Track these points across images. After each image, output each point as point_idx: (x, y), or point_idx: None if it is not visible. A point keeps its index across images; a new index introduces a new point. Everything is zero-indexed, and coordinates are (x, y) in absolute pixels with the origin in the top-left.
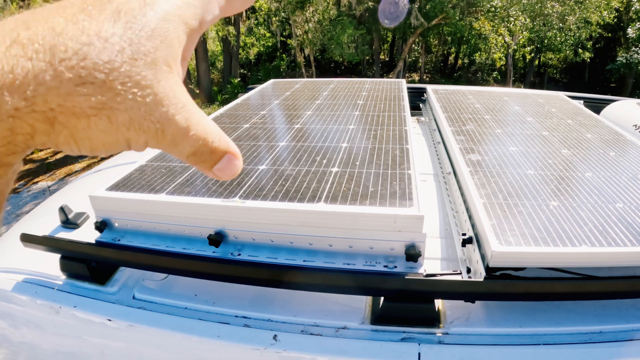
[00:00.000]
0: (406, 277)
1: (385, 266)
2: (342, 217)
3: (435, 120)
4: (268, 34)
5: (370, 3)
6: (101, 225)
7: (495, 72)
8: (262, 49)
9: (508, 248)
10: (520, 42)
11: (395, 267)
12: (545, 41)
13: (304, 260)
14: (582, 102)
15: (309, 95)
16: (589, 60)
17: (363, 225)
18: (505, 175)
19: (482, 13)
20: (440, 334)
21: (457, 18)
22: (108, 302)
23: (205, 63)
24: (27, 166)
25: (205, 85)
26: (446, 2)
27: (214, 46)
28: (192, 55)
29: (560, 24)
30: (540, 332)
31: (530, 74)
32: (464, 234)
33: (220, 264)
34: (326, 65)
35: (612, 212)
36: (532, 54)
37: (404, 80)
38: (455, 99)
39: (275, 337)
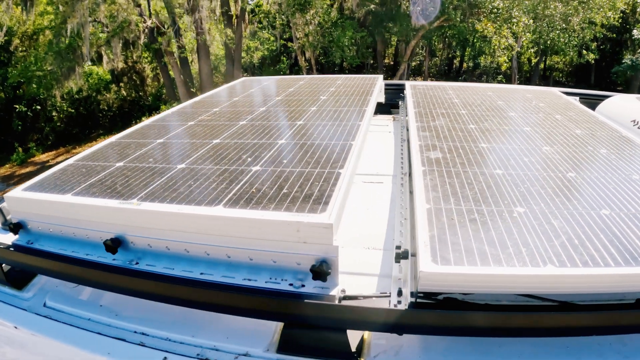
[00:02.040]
0: (306, 301)
1: (290, 284)
2: (237, 223)
3: (407, 116)
4: (272, 38)
5: (372, 6)
6: (15, 227)
7: (500, 76)
8: (266, 53)
9: (442, 268)
10: (524, 44)
11: (303, 285)
12: (549, 42)
13: (201, 273)
14: (577, 98)
15: (274, 92)
16: (593, 61)
17: (261, 234)
18: (466, 175)
19: (485, 15)
20: None
21: (459, 19)
22: (19, 309)
23: (208, 67)
24: (28, 169)
25: (208, 89)
26: (447, 3)
27: (217, 50)
28: (194, 59)
29: (564, 24)
30: None
31: (536, 77)
32: (398, 247)
33: (115, 273)
34: (329, 69)
35: (595, 221)
36: (537, 58)
37: (380, 76)
38: (434, 94)
39: None
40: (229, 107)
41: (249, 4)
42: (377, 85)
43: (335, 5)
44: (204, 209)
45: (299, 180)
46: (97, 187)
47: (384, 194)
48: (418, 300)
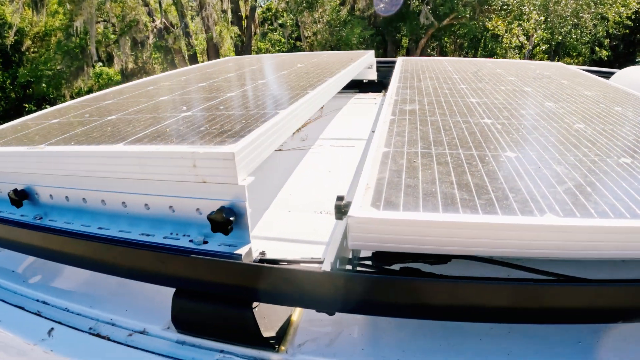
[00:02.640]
0: (195, 258)
1: (190, 241)
2: (127, 160)
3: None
4: (283, 40)
5: (382, 5)
6: None
7: None
8: None
9: (383, 214)
10: (536, 41)
11: (205, 242)
12: (560, 38)
13: (99, 228)
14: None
15: (252, 64)
16: (606, 58)
17: (154, 172)
18: (445, 123)
19: (495, 12)
20: None
21: (468, 15)
22: None
23: None
24: None
25: None
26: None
27: (228, 52)
28: (204, 61)
29: (575, 20)
30: None
31: None
32: (339, 198)
33: (15, 229)
34: None
35: (613, 169)
36: (549, 59)
37: (371, 52)
38: (425, 64)
39: (50, 331)
40: (198, 75)
41: (260, 6)
42: (363, 57)
43: (346, 8)
44: (99, 147)
45: (225, 120)
46: (16, 140)
47: (352, 157)
48: (359, 269)
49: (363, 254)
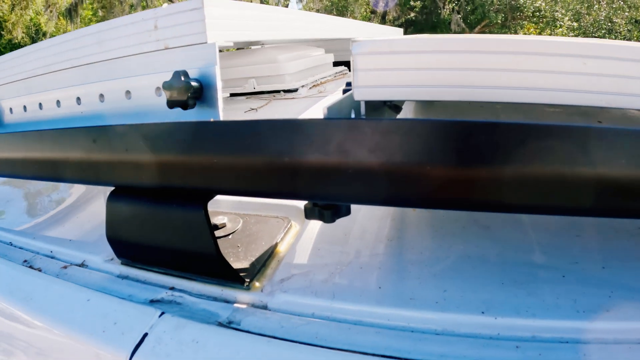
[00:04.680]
0: (131, 126)
1: None
2: (84, 40)
3: None
4: None
5: (412, 15)
6: None
7: None
8: None
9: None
10: None
11: None
12: None
13: None
14: None
15: None
16: None
17: (110, 46)
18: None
19: (527, 19)
20: (245, 306)
21: (500, 22)
22: None
23: None
24: None
25: None
26: (487, 5)
27: None
28: None
29: (609, 24)
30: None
31: None
32: (349, 83)
33: None
34: None
35: None
36: None
37: (401, 29)
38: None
39: None
40: None
41: None
42: (391, 28)
43: (377, 18)
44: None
45: None
46: None
47: None
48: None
49: None
